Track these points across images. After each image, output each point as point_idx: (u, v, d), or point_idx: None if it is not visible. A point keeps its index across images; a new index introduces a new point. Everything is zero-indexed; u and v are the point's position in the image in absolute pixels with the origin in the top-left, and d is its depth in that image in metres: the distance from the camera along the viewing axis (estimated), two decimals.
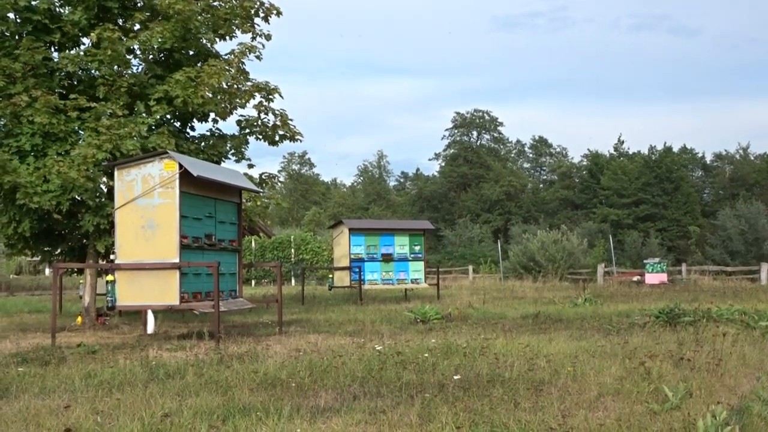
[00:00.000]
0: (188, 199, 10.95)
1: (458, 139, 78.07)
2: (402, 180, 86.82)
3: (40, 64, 13.46)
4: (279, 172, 78.38)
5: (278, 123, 15.33)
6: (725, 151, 74.61)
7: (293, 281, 36.60)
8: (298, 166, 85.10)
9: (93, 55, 13.50)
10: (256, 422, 5.15)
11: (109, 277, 10.87)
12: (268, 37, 15.26)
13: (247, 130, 15.36)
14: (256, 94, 14.86)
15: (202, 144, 14.97)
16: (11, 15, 13.74)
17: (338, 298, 21.36)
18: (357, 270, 19.98)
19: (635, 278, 28.61)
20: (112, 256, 13.21)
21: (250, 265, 25.88)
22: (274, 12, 15.41)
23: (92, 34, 13.41)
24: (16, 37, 13.83)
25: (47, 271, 38.02)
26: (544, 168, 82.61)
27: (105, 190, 13.65)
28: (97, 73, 13.81)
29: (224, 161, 15.16)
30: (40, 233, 14.11)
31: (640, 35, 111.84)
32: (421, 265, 21.17)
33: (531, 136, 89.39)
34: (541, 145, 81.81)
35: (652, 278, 26.87)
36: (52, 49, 14.20)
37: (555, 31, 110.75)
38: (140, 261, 10.61)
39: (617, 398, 5.83)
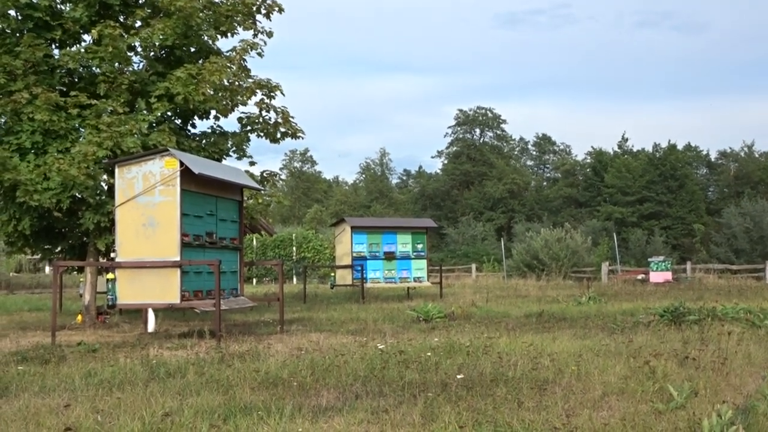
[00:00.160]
0: (189, 196, 10.94)
1: (461, 136, 78.00)
2: (404, 178, 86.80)
3: (40, 62, 13.46)
4: (280, 169, 78.34)
5: (280, 120, 15.33)
6: (730, 148, 74.38)
7: (295, 279, 36.61)
8: (300, 163, 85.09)
9: (94, 52, 13.49)
10: (257, 421, 5.14)
11: (110, 276, 10.89)
12: (269, 34, 15.26)
13: (249, 128, 15.36)
14: (258, 91, 14.87)
15: (203, 141, 14.98)
16: (12, 12, 13.76)
17: (340, 297, 21.36)
18: (359, 268, 19.98)
19: (640, 277, 28.59)
20: (112, 254, 13.21)
21: (252, 264, 25.89)
22: (276, 9, 15.42)
23: (93, 31, 13.41)
24: (17, 35, 13.84)
25: (47, 269, 38.07)
26: (548, 166, 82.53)
27: (105, 188, 13.65)
28: (98, 70, 13.81)
29: (225, 159, 15.16)
30: (40, 231, 14.11)
31: (643, 32, 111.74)
32: (423, 263, 21.17)
33: (534, 134, 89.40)
34: (544, 142, 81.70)
35: (657, 277, 26.87)
36: (53, 46, 14.20)
37: (557, 28, 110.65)
38: (141, 259, 10.62)
39: (622, 397, 5.83)
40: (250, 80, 14.77)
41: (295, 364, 7.50)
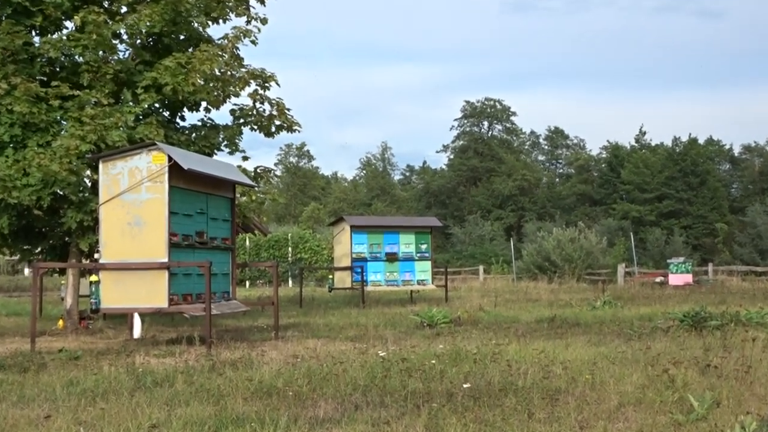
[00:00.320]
0: (178, 194, 10.95)
1: (468, 129, 78.11)
2: (407, 174, 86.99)
3: (20, 50, 13.46)
4: (275, 165, 78.71)
5: (274, 112, 15.35)
6: (754, 142, 74.46)
7: (290, 282, 36.66)
8: (296, 158, 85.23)
9: (76, 40, 13.49)
10: None
11: (93, 278, 10.88)
12: (264, 21, 15.27)
13: (242, 120, 15.39)
14: (251, 81, 14.90)
15: (193, 135, 15.00)
16: None
17: (339, 301, 21.38)
18: (359, 270, 19.98)
19: (658, 279, 28.63)
20: (96, 255, 13.23)
21: (245, 265, 25.92)
22: None
23: (76, 17, 13.41)
24: None
25: (26, 271, 38.13)
26: (560, 161, 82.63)
27: (89, 185, 13.66)
28: (81, 59, 13.82)
29: (216, 153, 15.19)
30: (19, 230, 14.12)
31: (662, 18, 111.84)
32: (427, 265, 21.17)
33: (546, 127, 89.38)
34: (556, 136, 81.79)
35: (677, 279, 26.88)
36: (33, 34, 14.20)
37: (571, 14, 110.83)
38: (126, 260, 10.62)
39: (639, 408, 5.83)
40: (243, 70, 14.78)
41: (291, 372, 7.51)
